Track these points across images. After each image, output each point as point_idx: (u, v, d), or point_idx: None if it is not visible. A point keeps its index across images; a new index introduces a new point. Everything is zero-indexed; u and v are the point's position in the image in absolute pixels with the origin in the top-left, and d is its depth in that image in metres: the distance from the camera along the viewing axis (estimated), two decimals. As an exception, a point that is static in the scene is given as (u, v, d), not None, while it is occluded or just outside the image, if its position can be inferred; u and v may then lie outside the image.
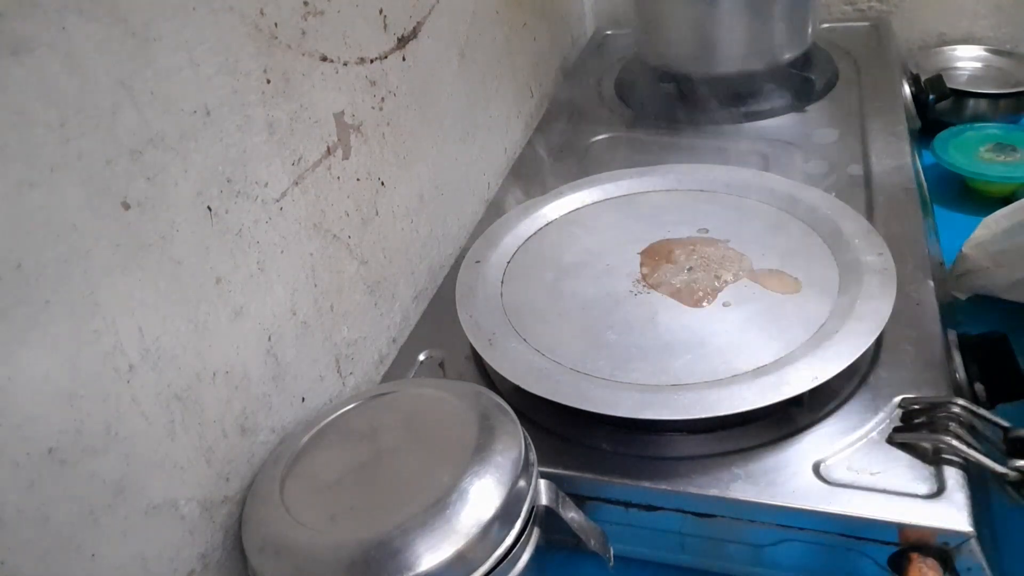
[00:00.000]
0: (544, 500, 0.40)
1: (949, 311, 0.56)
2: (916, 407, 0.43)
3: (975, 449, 0.40)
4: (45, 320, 0.30)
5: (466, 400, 0.43)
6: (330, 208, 0.49)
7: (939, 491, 0.39)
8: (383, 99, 0.54)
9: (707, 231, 0.58)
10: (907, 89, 0.82)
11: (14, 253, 0.29)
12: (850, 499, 0.40)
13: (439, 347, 0.55)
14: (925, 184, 0.70)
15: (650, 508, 0.43)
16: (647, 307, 0.51)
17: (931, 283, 0.53)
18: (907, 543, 0.39)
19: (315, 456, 0.42)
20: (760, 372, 0.44)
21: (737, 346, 0.47)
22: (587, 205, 0.63)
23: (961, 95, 0.84)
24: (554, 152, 0.79)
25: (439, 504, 0.36)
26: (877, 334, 0.45)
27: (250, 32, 0.40)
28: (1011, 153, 0.75)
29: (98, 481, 0.33)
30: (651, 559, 0.46)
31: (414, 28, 0.58)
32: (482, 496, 0.37)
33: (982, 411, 0.41)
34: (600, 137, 0.80)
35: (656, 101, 0.83)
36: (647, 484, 0.43)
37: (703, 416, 0.42)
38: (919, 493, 0.40)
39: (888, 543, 0.39)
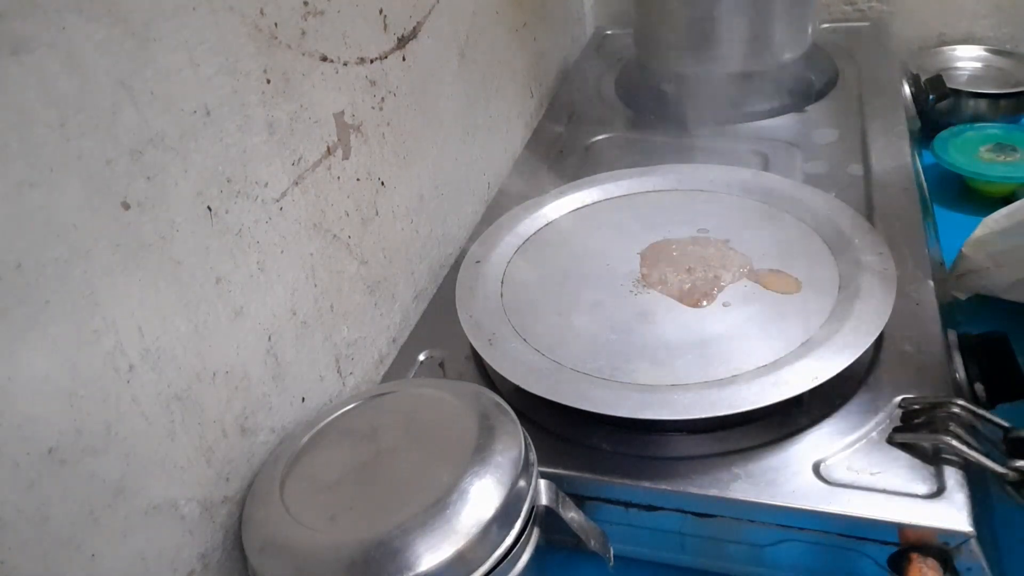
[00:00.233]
0: (544, 500, 0.40)
1: (949, 311, 0.56)
2: (916, 407, 0.43)
3: (975, 449, 0.40)
4: (45, 320, 0.30)
5: (466, 400, 0.43)
6: (330, 208, 0.49)
7: (939, 491, 0.39)
8: (383, 99, 0.54)
9: (707, 231, 0.58)
10: (907, 89, 0.82)
11: (14, 253, 0.29)
12: (850, 499, 0.40)
13: (439, 347, 0.55)
14: (925, 184, 0.70)
15: (650, 508, 0.43)
16: (647, 307, 0.51)
17: (931, 283, 0.53)
18: (907, 543, 0.39)
19: (315, 456, 0.42)
20: (760, 372, 0.44)
21: (737, 346, 0.47)
22: (587, 205, 0.63)
23: (961, 95, 0.84)
24: (554, 152, 0.79)
25: (439, 504, 0.36)
26: (877, 334, 0.45)
27: (250, 32, 0.40)
28: (1011, 153, 0.75)
29: (98, 481, 0.33)
30: (651, 559, 0.46)
31: (414, 28, 0.58)
32: (482, 496, 0.37)
33: (982, 411, 0.41)
34: (600, 137, 0.80)
35: (656, 101, 0.83)
36: (647, 484, 0.43)
37: (703, 416, 0.42)
38: (919, 493, 0.40)
39: (888, 543, 0.39)
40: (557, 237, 0.60)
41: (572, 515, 0.41)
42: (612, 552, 0.42)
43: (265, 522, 0.38)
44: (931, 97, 0.82)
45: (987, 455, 0.39)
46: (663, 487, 0.42)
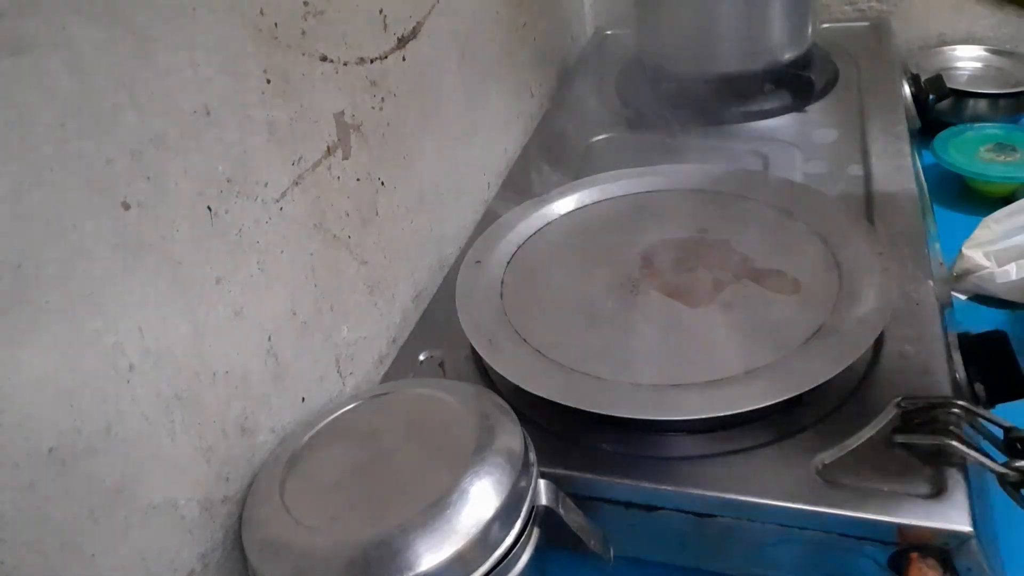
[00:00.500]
0: (544, 500, 0.40)
1: (949, 311, 0.56)
2: (916, 407, 0.43)
3: (975, 449, 0.39)
4: (45, 320, 0.30)
5: (466, 400, 0.43)
6: (330, 208, 0.49)
7: (939, 491, 0.39)
8: (383, 99, 0.54)
9: (707, 231, 0.58)
10: (907, 89, 0.82)
11: (14, 253, 0.29)
12: (850, 499, 0.40)
13: (439, 347, 0.55)
14: (925, 184, 0.70)
15: (650, 508, 0.43)
16: (647, 307, 0.51)
17: (931, 283, 0.53)
18: (907, 543, 0.39)
19: (315, 456, 0.42)
20: (760, 372, 0.44)
21: (737, 346, 0.47)
22: (587, 205, 0.63)
23: (961, 95, 0.84)
24: (554, 152, 0.79)
25: (439, 504, 0.36)
26: (877, 334, 0.45)
27: (250, 32, 0.40)
28: (1011, 153, 0.75)
29: (98, 481, 0.33)
30: (651, 559, 0.46)
31: (414, 28, 0.58)
32: (482, 496, 0.37)
33: (982, 411, 0.41)
34: (600, 137, 0.80)
35: (656, 101, 0.83)
36: (647, 484, 0.43)
37: (703, 416, 0.42)
38: (919, 493, 0.40)
39: (888, 543, 0.39)
40: (557, 237, 0.60)
41: (572, 515, 0.41)
42: (612, 552, 0.42)
43: (265, 522, 0.38)
44: (931, 97, 0.82)
45: (987, 455, 0.39)
46: (663, 487, 0.42)
